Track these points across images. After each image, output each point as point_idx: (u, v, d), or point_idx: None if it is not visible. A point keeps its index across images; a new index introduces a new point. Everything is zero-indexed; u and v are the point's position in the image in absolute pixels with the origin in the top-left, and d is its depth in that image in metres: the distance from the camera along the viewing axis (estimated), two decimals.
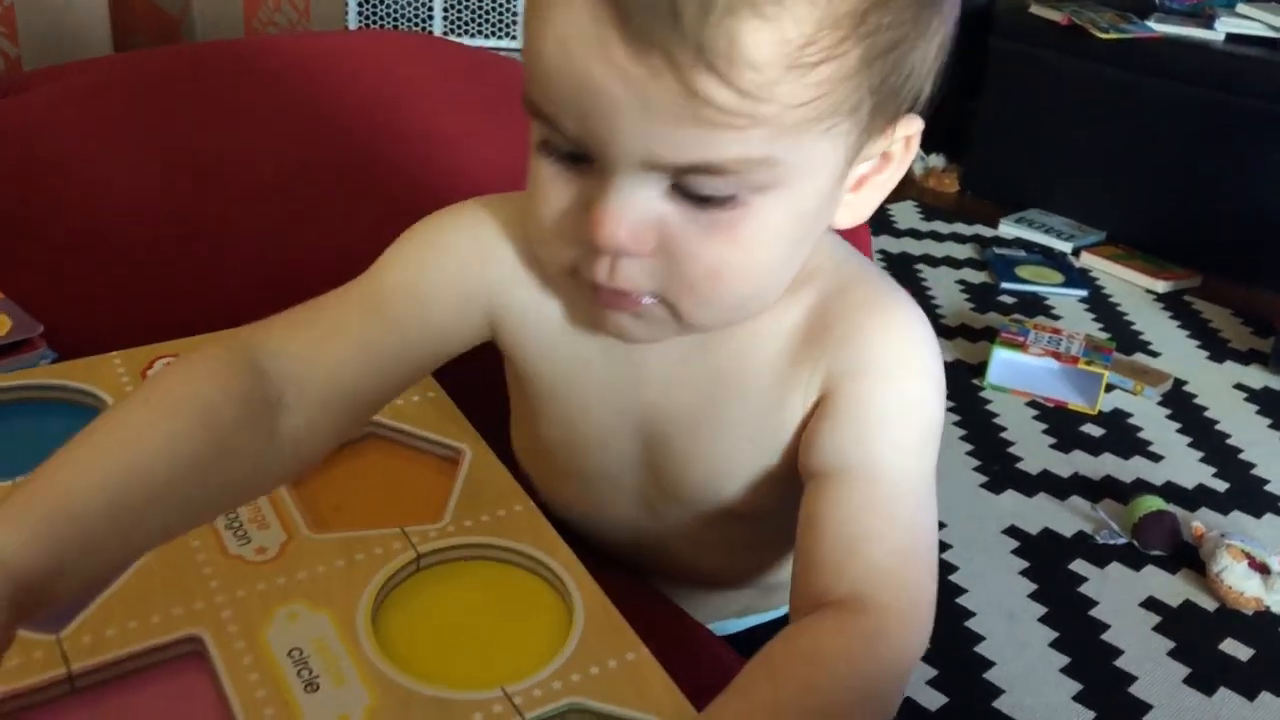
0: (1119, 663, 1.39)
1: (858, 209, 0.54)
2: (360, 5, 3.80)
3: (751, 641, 0.64)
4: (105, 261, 0.88)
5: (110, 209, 0.94)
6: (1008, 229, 2.65)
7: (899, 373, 0.55)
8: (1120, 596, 1.51)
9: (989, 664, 1.37)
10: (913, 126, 0.52)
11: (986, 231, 2.67)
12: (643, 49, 0.43)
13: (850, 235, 0.61)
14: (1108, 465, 1.80)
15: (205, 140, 1.04)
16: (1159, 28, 2.55)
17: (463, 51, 1.42)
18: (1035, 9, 2.72)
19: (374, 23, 3.85)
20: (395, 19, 3.87)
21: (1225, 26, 2.49)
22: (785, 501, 0.58)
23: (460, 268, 0.58)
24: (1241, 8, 2.51)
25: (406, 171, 1.03)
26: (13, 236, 0.88)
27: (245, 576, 0.54)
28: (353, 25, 3.79)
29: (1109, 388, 1.96)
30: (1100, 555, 1.58)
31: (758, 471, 0.59)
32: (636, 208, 0.48)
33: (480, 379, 0.65)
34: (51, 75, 1.26)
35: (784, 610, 0.74)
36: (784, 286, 0.54)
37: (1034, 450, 1.82)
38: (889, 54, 0.47)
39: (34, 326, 0.74)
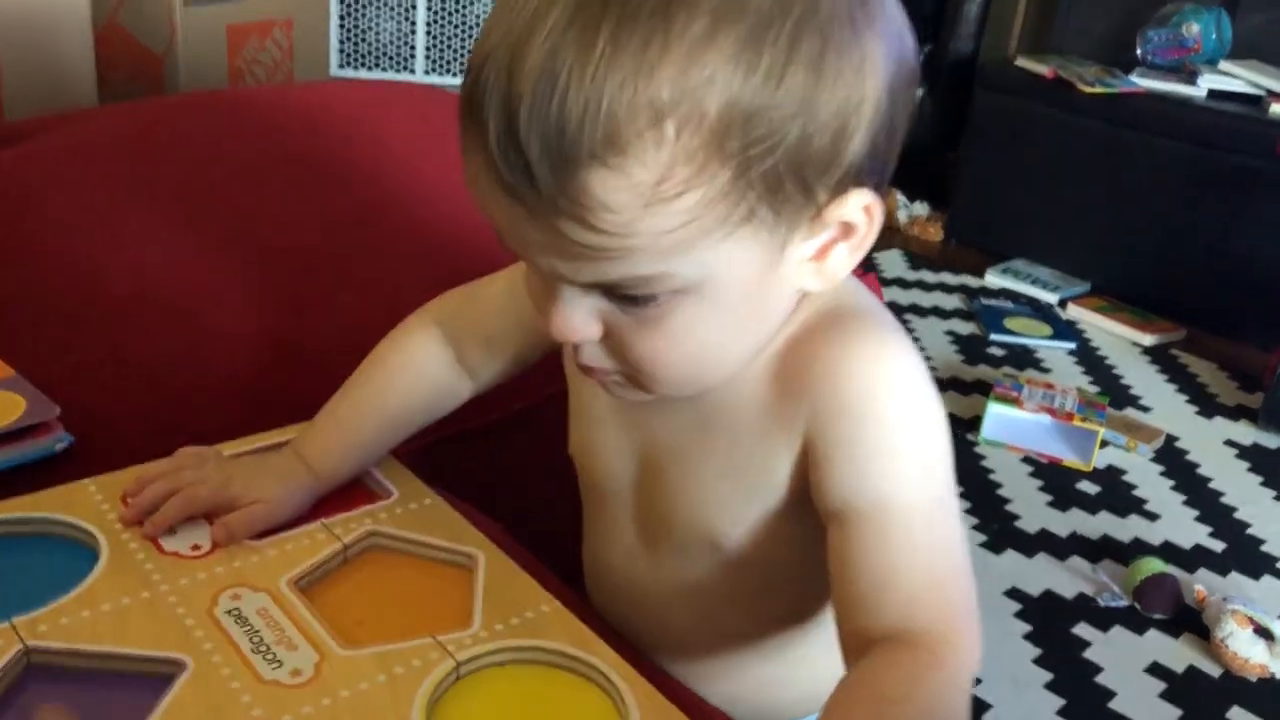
0: None
1: (827, 274, 0.54)
2: (342, 44, 3.79)
3: None
4: (111, 331, 0.85)
5: (114, 275, 0.91)
6: (994, 279, 2.66)
7: (882, 408, 0.54)
8: (1125, 662, 1.49)
9: None
10: (865, 198, 0.52)
11: (973, 281, 2.67)
12: (514, 200, 0.48)
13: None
14: (1105, 524, 1.79)
15: (204, 199, 1.01)
16: (1143, 83, 2.58)
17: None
18: (1021, 62, 2.74)
19: (356, 61, 3.84)
20: (377, 58, 3.86)
21: (1207, 83, 2.52)
22: (786, 549, 0.60)
23: None
24: (1224, 64, 2.54)
25: (415, 233, 1.01)
26: (17, 306, 0.84)
27: (287, 702, 0.51)
28: (334, 64, 3.78)
29: (1102, 444, 1.96)
30: (1103, 618, 1.57)
31: (745, 508, 0.60)
32: (579, 306, 0.53)
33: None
34: (41, 126, 1.22)
35: None
36: (744, 357, 0.56)
37: (1032, 508, 1.81)
38: (772, 158, 0.47)
39: (50, 409, 0.70)
